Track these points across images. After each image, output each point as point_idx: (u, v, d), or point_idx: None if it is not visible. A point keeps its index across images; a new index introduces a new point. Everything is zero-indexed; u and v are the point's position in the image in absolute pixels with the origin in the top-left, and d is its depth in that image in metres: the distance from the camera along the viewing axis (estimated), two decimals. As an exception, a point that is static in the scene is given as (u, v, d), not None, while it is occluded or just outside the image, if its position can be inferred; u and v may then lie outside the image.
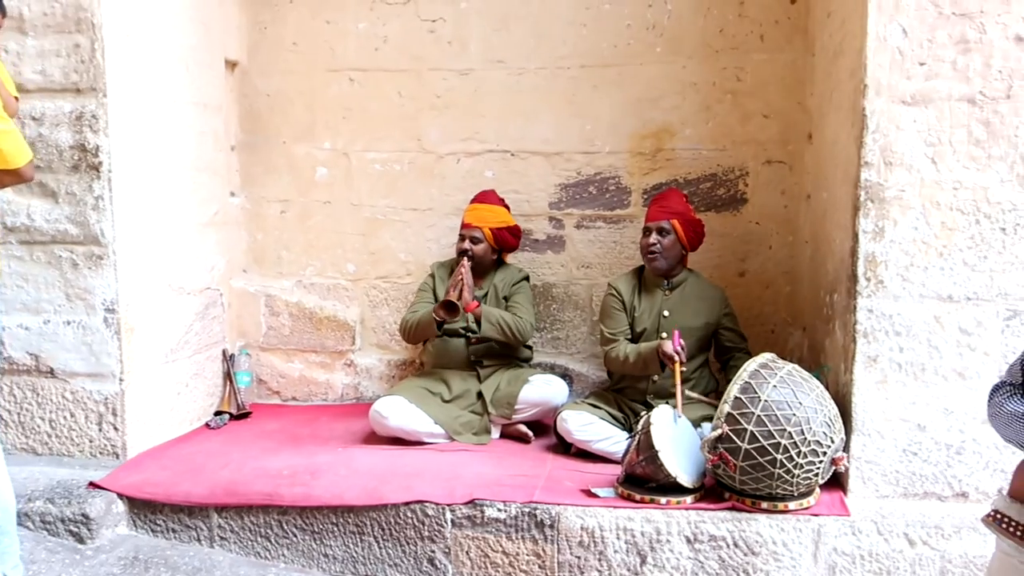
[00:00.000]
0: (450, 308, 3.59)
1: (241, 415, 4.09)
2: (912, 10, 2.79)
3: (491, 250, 3.85)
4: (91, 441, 3.46)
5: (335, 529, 3.08)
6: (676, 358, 3.21)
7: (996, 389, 2.07)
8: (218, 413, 4.05)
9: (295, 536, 3.10)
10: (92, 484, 3.22)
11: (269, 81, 4.31)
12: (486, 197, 3.91)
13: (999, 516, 2.00)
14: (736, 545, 2.85)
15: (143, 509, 3.19)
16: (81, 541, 3.07)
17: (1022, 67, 2.76)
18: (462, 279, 3.64)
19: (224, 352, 4.20)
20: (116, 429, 3.43)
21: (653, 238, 3.50)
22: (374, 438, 3.66)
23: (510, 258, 4.10)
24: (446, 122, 4.18)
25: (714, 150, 4.00)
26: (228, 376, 4.18)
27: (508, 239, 3.87)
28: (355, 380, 4.38)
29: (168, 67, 3.69)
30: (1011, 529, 1.97)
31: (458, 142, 4.19)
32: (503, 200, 3.94)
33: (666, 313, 3.51)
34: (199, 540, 3.16)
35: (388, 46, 4.18)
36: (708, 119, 3.98)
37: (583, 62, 4.04)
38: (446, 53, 4.14)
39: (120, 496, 3.19)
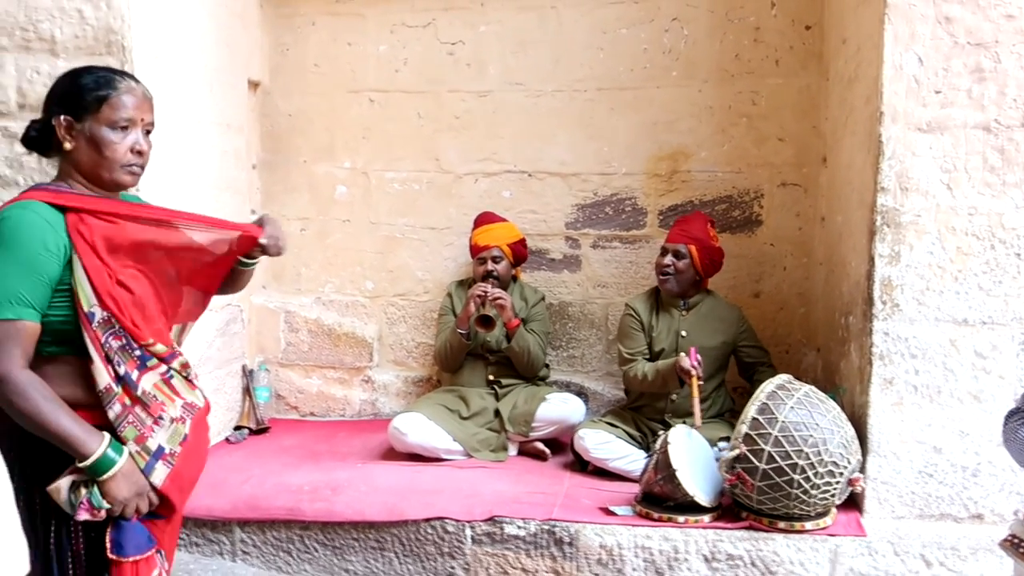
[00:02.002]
0: (486, 321, 3.65)
1: (260, 430, 4.14)
2: (928, 39, 2.85)
3: (510, 267, 3.91)
4: (115, 455, 3.50)
5: (356, 544, 3.12)
6: (693, 372, 3.25)
7: (1011, 415, 2.11)
8: (238, 428, 4.10)
9: (316, 551, 3.14)
10: (116, 498, 3.26)
11: (290, 101, 4.38)
12: (491, 218, 3.98)
13: (1017, 540, 2.04)
14: (754, 564, 2.88)
15: (167, 523, 3.23)
16: (106, 555, 3.12)
17: (1036, 96, 2.82)
18: (488, 296, 3.69)
19: (244, 367, 4.26)
20: (140, 444, 3.47)
21: (668, 259, 3.54)
22: (392, 454, 3.70)
23: (525, 276, 4.17)
24: (464, 143, 4.25)
25: (729, 172, 4.05)
26: (247, 391, 4.23)
27: (523, 252, 3.96)
28: (372, 396, 4.43)
29: (193, 88, 3.76)
30: None
31: (476, 162, 4.25)
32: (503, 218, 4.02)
33: (684, 333, 3.55)
34: (222, 555, 3.20)
35: (408, 68, 4.26)
36: (723, 142, 4.04)
37: (600, 85, 4.10)
38: (465, 75, 4.21)
39: (144, 510, 3.24)
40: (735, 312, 3.66)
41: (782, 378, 3.01)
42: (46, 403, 1.66)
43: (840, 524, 2.95)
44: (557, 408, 3.73)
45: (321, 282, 4.45)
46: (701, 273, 3.57)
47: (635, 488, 3.17)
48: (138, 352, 1.79)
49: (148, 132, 1.91)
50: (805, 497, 2.80)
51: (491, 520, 3.04)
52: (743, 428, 2.85)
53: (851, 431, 2.90)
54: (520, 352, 3.79)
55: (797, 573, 2.86)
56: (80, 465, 1.69)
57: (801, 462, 2.76)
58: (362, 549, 3.12)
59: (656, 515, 3.00)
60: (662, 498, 3.02)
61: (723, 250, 3.64)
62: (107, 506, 1.71)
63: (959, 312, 2.92)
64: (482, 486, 3.33)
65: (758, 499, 2.86)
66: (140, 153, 1.87)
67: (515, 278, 4.04)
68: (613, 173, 4.15)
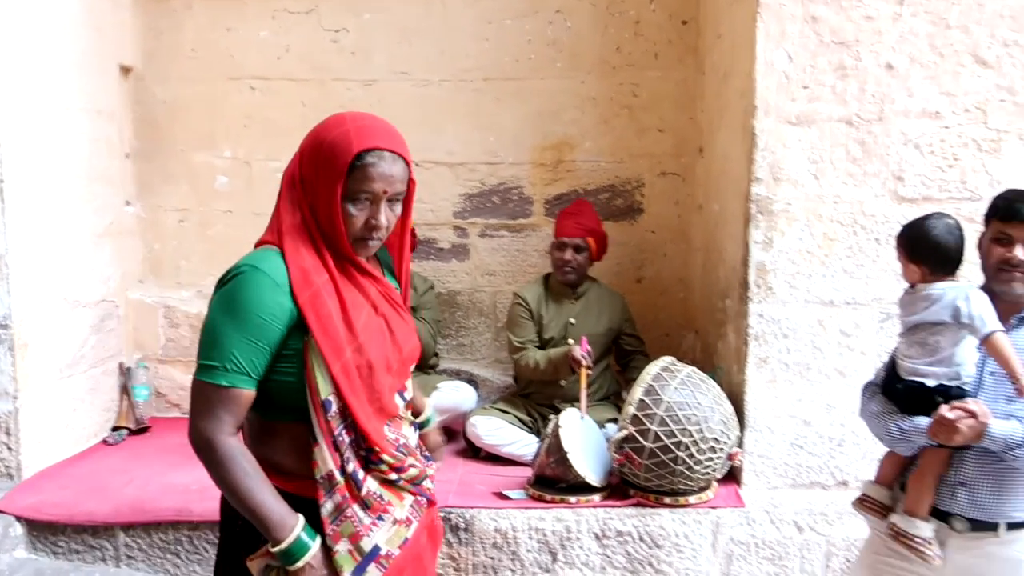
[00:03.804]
0: None
1: (140, 430, 3.98)
2: (796, 37, 3.02)
3: None
4: (-18, 462, 3.31)
5: (248, 542, 3.06)
6: (583, 362, 3.34)
7: (864, 388, 2.31)
8: (115, 428, 3.94)
9: (207, 551, 3.06)
10: (-14, 507, 3.09)
11: (166, 88, 4.21)
12: None
13: (864, 498, 2.26)
14: (641, 539, 3.01)
15: (43, 531, 3.08)
16: (-24, 567, 2.95)
17: (892, 92, 3.02)
18: None
19: (120, 365, 4.08)
20: (10, 449, 3.29)
21: (569, 255, 3.61)
22: (283, 449, 3.64)
23: (414, 266, 4.17)
24: (350, 132, 4.19)
25: (612, 162, 4.17)
26: (125, 390, 4.06)
27: (412, 241, 3.94)
28: (259, 391, 4.32)
29: (59, 72, 3.57)
30: (871, 506, 2.23)
31: (363, 152, 4.20)
32: None
33: (573, 320, 3.65)
34: (104, 560, 3.08)
35: (291, 55, 4.17)
36: (606, 132, 4.15)
37: (486, 75, 4.14)
38: (350, 63, 4.16)
39: (18, 519, 3.07)
40: (619, 300, 3.79)
41: (665, 360, 3.14)
42: (247, 479, 1.56)
43: (721, 497, 3.11)
44: (449, 396, 3.76)
45: (202, 275, 4.30)
46: (596, 259, 3.68)
47: (527, 472, 3.24)
48: (365, 452, 1.67)
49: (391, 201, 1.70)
50: (689, 473, 2.94)
51: (387, 510, 3.04)
52: (630, 410, 2.96)
53: (730, 408, 3.06)
54: None
55: (682, 545, 3.00)
56: (272, 550, 1.57)
57: (685, 440, 2.90)
58: (255, 546, 3.06)
59: (549, 497, 3.08)
60: (554, 480, 3.10)
61: (607, 234, 3.77)
62: None
63: (826, 294, 3.12)
64: (376, 477, 3.32)
65: (645, 477, 2.98)
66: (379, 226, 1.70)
67: (404, 267, 4.03)
68: (500, 163, 4.20)
